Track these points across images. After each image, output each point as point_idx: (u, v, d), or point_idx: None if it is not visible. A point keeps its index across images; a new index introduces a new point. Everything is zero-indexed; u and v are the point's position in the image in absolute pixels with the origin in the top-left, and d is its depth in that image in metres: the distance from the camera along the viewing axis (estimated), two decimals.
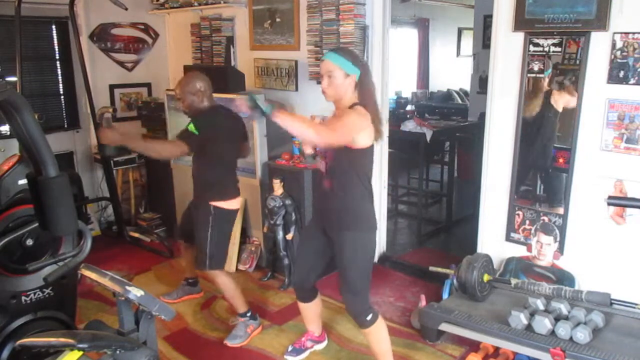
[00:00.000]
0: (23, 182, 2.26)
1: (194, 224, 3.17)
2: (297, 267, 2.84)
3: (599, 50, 2.82)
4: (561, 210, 3.12)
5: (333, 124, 2.35)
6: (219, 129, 3.06)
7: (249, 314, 3.21)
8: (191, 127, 2.93)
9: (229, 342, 3.10)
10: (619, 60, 2.76)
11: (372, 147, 2.43)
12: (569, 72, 2.97)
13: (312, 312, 2.95)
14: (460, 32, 9.66)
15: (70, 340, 1.63)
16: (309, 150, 2.70)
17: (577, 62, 2.92)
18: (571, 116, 2.99)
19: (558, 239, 3.15)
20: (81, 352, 1.63)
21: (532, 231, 3.25)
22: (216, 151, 3.04)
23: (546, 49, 3.00)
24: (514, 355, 2.83)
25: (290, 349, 3.02)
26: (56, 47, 4.80)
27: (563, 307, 2.81)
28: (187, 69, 4.32)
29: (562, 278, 3.11)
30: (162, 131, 4.70)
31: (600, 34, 2.80)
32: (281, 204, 3.75)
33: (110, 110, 4.62)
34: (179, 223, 3.54)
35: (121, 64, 5.13)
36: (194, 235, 3.28)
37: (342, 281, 2.56)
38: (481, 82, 6.45)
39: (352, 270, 2.50)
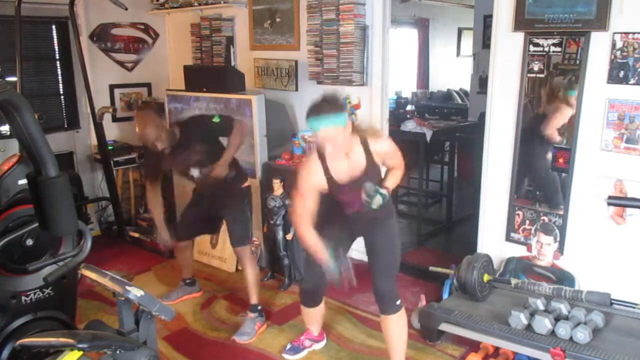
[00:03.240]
0: (23, 182, 2.25)
1: (223, 214, 3.31)
2: (311, 273, 2.73)
3: (599, 50, 2.82)
4: (561, 210, 3.12)
5: (397, 159, 2.66)
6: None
7: (259, 308, 3.26)
8: (216, 119, 3.13)
9: (238, 338, 3.12)
10: (619, 60, 2.76)
11: None
12: (569, 72, 2.97)
13: (317, 314, 2.96)
14: (460, 32, 9.65)
15: (70, 340, 1.63)
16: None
17: (577, 62, 2.92)
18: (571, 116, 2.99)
19: (558, 239, 3.15)
20: (81, 352, 1.64)
21: (532, 231, 3.25)
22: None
23: (546, 49, 3.00)
24: (514, 355, 2.83)
25: (288, 347, 3.02)
26: (56, 47, 4.80)
27: (563, 307, 2.80)
28: (187, 68, 4.33)
29: (562, 278, 3.11)
30: None
31: (600, 34, 2.80)
32: (281, 204, 3.75)
33: (111, 110, 4.62)
34: (185, 223, 3.48)
35: (121, 64, 5.14)
36: (200, 232, 3.51)
37: (379, 270, 2.62)
38: (481, 82, 6.44)
39: (392, 256, 2.63)
